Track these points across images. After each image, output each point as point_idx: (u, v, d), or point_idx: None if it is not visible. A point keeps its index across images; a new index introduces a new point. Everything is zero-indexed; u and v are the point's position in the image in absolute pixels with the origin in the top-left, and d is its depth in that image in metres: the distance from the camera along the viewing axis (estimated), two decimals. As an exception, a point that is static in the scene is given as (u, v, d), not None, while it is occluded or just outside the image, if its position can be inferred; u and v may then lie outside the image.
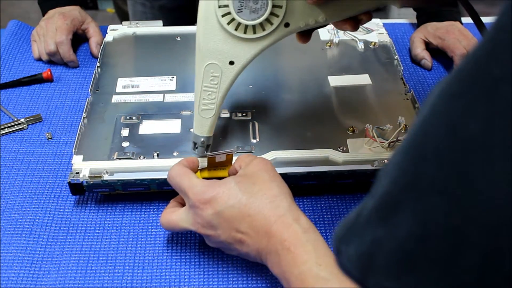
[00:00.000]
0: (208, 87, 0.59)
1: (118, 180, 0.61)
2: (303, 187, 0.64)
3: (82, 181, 0.61)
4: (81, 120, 0.69)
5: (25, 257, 0.58)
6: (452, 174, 0.30)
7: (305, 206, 0.64)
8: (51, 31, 0.87)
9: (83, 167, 0.62)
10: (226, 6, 0.53)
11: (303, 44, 0.58)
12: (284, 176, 0.55)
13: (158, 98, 0.74)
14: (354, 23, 0.55)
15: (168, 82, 0.77)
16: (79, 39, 0.92)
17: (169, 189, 0.58)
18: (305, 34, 0.58)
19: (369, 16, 0.54)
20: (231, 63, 0.57)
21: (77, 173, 0.62)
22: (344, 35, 0.87)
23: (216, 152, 0.58)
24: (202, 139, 0.62)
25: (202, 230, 0.52)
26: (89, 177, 0.61)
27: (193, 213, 0.52)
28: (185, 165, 0.56)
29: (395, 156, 0.35)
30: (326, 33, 0.87)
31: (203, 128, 0.61)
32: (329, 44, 0.85)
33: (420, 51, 0.88)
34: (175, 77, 0.78)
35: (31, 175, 0.68)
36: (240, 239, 0.50)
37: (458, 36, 0.86)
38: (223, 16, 0.54)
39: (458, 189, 0.30)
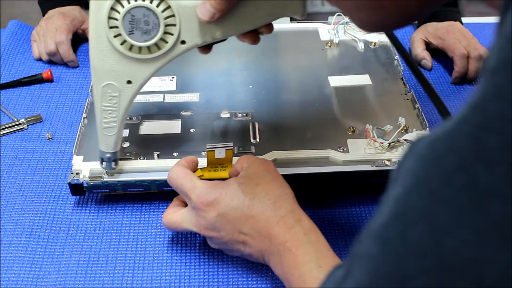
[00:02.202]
0: (108, 107, 0.56)
1: (118, 180, 0.61)
2: (303, 187, 0.64)
3: (82, 182, 0.61)
4: (81, 120, 0.69)
5: (25, 257, 0.58)
6: None
7: (305, 206, 0.64)
8: (51, 31, 0.87)
9: (83, 168, 0.62)
10: (117, 27, 0.51)
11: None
12: (285, 176, 0.55)
13: (158, 98, 0.74)
14: (254, 36, 0.53)
15: (168, 82, 0.77)
16: (79, 39, 0.92)
17: (169, 189, 0.58)
18: (206, 47, 0.55)
19: (269, 28, 0.52)
20: (129, 82, 0.55)
21: (77, 173, 0.62)
22: (344, 35, 0.87)
23: (214, 144, 0.58)
24: (108, 155, 0.60)
25: (205, 232, 0.52)
26: (89, 177, 0.61)
27: (196, 214, 0.52)
28: (184, 165, 0.56)
29: (371, 245, 0.29)
30: (326, 33, 0.87)
31: (107, 144, 0.59)
32: (329, 44, 0.85)
33: (420, 51, 0.87)
34: (175, 77, 0.78)
35: (31, 175, 0.68)
36: (243, 240, 0.51)
37: (458, 36, 0.85)
38: (115, 37, 0.51)
39: None
